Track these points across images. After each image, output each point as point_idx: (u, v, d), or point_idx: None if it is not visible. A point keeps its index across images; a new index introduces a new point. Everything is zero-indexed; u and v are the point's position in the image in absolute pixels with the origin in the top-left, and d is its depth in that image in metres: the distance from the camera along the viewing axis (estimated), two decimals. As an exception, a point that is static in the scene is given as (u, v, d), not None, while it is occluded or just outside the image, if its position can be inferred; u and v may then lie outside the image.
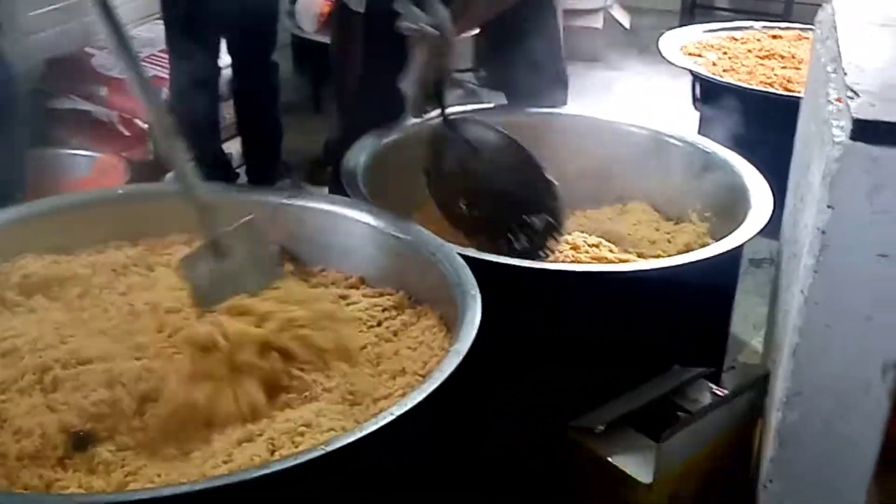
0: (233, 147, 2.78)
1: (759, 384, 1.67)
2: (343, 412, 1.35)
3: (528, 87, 2.25)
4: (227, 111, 2.76)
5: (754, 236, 1.79)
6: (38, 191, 1.97)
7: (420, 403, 1.25)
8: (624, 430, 1.64)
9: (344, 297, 1.66)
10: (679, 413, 1.69)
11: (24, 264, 1.64)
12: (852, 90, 1.34)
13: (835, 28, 1.62)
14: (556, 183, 1.96)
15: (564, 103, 2.42)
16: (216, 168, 2.60)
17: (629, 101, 3.80)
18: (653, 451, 1.55)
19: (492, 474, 1.75)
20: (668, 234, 2.13)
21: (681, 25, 3.63)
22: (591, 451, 1.62)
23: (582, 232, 2.06)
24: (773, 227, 1.88)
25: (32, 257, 1.66)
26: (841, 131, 1.28)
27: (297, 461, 1.12)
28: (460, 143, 1.97)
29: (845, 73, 1.40)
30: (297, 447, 1.26)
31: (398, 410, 1.23)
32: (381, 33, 2.04)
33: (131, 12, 3.15)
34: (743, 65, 2.88)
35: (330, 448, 1.14)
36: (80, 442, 1.30)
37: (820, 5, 1.89)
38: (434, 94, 1.95)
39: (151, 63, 2.81)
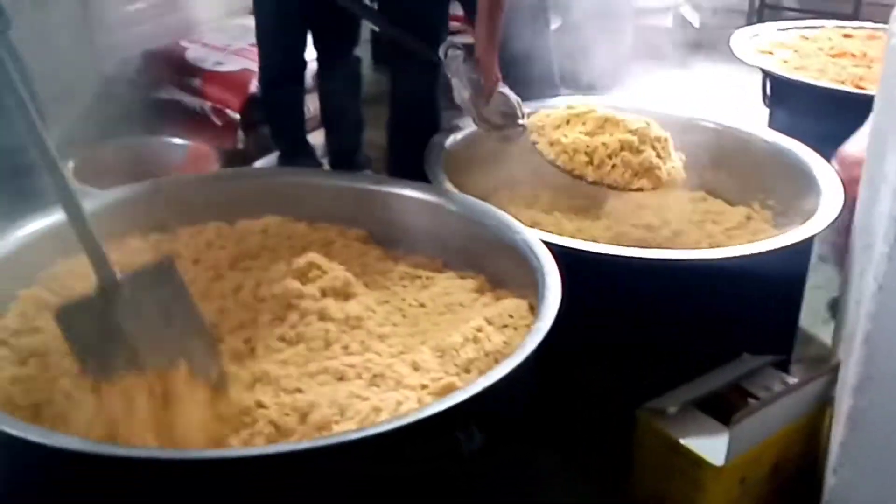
0: (316, 138, 2.88)
1: (830, 373, 1.70)
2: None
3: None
4: (312, 103, 2.86)
5: (827, 227, 1.83)
6: (135, 175, 2.05)
7: (505, 377, 1.32)
8: (695, 414, 1.69)
9: (428, 279, 1.74)
10: (749, 399, 1.74)
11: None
12: (930, 84, 1.37)
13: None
14: None
15: None
16: (301, 157, 2.70)
17: (698, 97, 3.81)
18: (723, 435, 1.59)
19: (563, 453, 1.81)
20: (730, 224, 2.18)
21: (749, 24, 3.63)
22: (663, 433, 1.66)
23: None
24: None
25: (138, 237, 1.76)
26: (918, 122, 1.32)
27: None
28: None
29: (923, 68, 1.44)
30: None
31: (485, 381, 1.31)
32: None
33: (223, 6, 3.29)
34: (814, 63, 2.89)
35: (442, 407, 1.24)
36: None
37: (891, 5, 1.91)
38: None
39: (242, 56, 2.94)
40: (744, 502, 1.66)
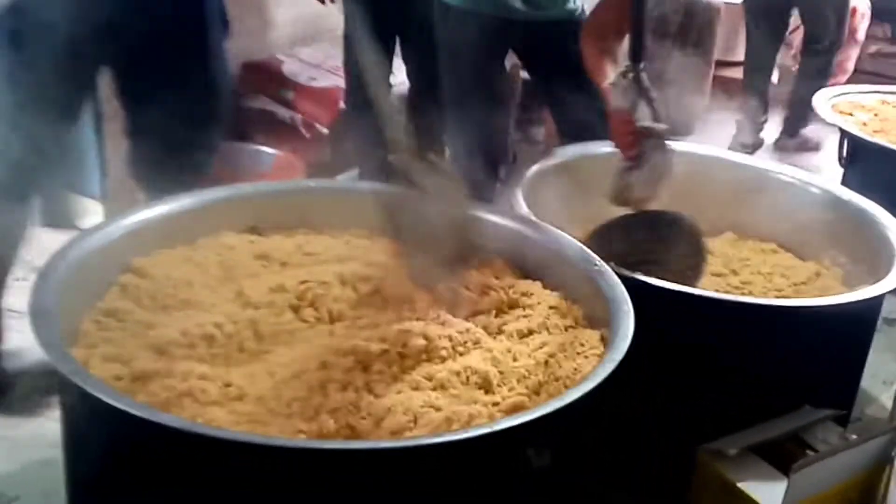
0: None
1: (891, 433, 1.71)
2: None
3: None
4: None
5: (897, 288, 1.85)
6: (223, 179, 2.15)
7: (575, 401, 1.37)
8: (754, 459, 1.71)
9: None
10: (807, 450, 1.76)
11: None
12: None
13: None
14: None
15: None
16: (381, 176, 2.77)
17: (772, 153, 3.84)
18: (781, 482, 1.61)
19: (622, 484, 1.84)
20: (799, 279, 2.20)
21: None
22: (721, 475, 1.68)
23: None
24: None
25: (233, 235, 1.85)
26: None
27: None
28: None
29: None
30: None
31: (557, 403, 1.36)
32: None
33: (317, 27, 3.40)
34: (894, 127, 2.91)
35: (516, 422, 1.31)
36: None
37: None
38: None
39: (334, 73, 3.04)
40: (794, 552, 1.67)
